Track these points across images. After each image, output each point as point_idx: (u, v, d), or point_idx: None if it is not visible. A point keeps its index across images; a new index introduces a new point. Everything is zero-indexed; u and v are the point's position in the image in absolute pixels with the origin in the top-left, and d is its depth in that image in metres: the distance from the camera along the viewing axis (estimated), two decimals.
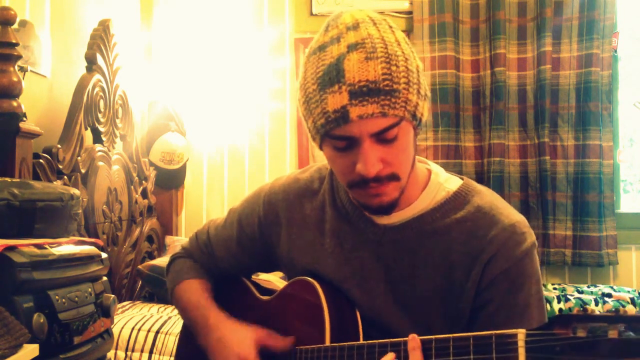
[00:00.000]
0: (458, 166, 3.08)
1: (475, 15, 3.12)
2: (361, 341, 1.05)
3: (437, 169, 1.14)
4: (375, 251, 1.11)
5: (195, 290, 1.32)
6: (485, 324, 1.00)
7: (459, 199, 1.08)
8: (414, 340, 0.92)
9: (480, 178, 3.05)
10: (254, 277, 1.46)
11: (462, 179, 1.13)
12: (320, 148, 1.07)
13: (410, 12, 3.16)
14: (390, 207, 1.04)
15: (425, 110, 1.04)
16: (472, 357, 0.87)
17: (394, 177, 1.00)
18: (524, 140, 3.07)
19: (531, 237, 1.06)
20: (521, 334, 0.82)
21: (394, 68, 0.96)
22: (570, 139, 3.02)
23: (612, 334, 0.74)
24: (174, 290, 1.37)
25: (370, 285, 1.11)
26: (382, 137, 0.97)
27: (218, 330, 1.21)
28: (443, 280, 1.06)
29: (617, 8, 3.04)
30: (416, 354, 0.91)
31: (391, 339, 0.98)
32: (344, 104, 0.94)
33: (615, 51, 3.02)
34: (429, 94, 1.06)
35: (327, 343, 1.06)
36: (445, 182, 1.11)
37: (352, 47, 0.95)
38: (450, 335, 0.90)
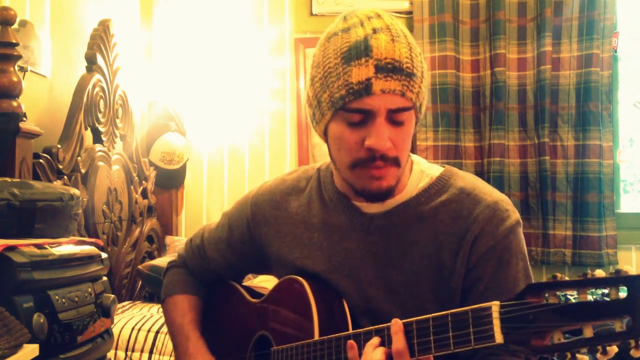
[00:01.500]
0: (458, 166, 3.06)
1: (475, 15, 3.12)
2: (348, 331, 1.06)
3: (418, 159, 1.17)
4: (364, 240, 1.13)
5: (180, 309, 1.36)
6: (477, 303, 1.02)
7: (442, 183, 1.12)
8: (396, 324, 0.94)
9: (480, 178, 3.04)
10: (249, 282, 1.47)
11: (444, 166, 1.16)
12: (324, 131, 1.09)
13: (410, 12, 3.16)
14: (387, 194, 1.07)
15: (423, 112, 1.08)
16: (450, 333, 0.89)
17: (396, 162, 1.03)
18: (524, 140, 3.07)
19: (515, 214, 1.09)
20: (495, 305, 0.84)
21: (414, 55, 1.02)
22: (570, 139, 3.01)
23: (582, 298, 0.77)
24: (163, 302, 1.41)
25: (360, 274, 1.13)
26: (394, 118, 1.01)
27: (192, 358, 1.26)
28: (432, 263, 1.08)
29: (617, 8, 3.04)
30: (399, 337, 0.93)
31: (375, 326, 0.99)
32: (369, 76, 0.98)
33: (615, 51, 3.02)
34: (428, 97, 1.09)
35: (316, 338, 1.08)
36: (427, 170, 1.14)
37: (378, 30, 1.01)
38: (430, 316, 0.92)
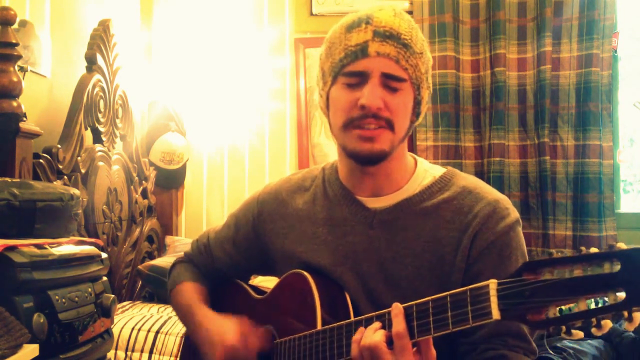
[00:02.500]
0: (458, 166, 3.07)
1: (475, 15, 3.12)
2: (350, 319, 1.07)
3: (421, 159, 1.21)
4: (367, 234, 1.15)
5: (188, 292, 1.38)
6: None
7: (444, 181, 1.15)
8: (396, 308, 0.95)
9: (480, 178, 3.02)
10: (250, 281, 1.49)
11: (446, 167, 1.20)
12: (327, 102, 1.13)
13: (410, 12, 3.15)
14: (378, 157, 1.09)
15: (424, 100, 1.13)
16: (449, 313, 0.90)
17: (389, 125, 1.07)
18: (524, 140, 3.07)
19: (514, 213, 1.11)
20: (492, 283, 0.86)
21: (414, 33, 1.09)
22: (570, 139, 3.01)
23: (577, 272, 0.78)
24: (171, 293, 1.43)
25: (363, 267, 1.15)
26: (389, 84, 1.06)
27: (204, 325, 1.27)
28: (433, 257, 1.10)
29: (617, 8, 3.04)
30: (399, 320, 0.94)
31: (376, 312, 1.00)
32: (367, 39, 1.06)
33: (615, 51, 3.02)
34: (431, 90, 1.16)
35: (319, 328, 1.09)
36: (430, 169, 1.18)
37: (383, 8, 1.09)
38: (430, 298, 0.93)
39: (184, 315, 1.36)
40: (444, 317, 0.90)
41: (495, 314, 0.84)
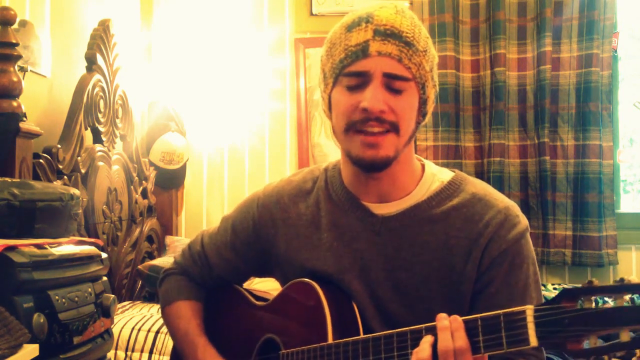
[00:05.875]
0: (458, 166, 3.08)
1: (475, 15, 3.12)
2: (361, 335, 1.06)
3: (429, 163, 1.18)
4: (374, 241, 1.12)
5: (184, 315, 1.33)
6: (488, 305, 1.02)
7: (453, 187, 1.12)
8: (455, 321, 0.91)
9: (480, 178, 3.01)
10: (249, 286, 1.46)
11: (454, 171, 1.17)
12: (329, 101, 1.10)
13: None
14: (382, 164, 1.06)
15: (430, 99, 1.10)
16: (480, 337, 0.88)
17: (395, 128, 1.04)
18: (524, 140, 3.07)
19: (524, 220, 1.11)
20: (529, 309, 0.84)
21: (416, 30, 1.05)
22: (570, 139, 3.02)
23: (619, 302, 0.77)
24: (164, 310, 1.38)
25: (371, 275, 1.12)
26: (392, 85, 1.03)
27: None
28: (442, 265, 1.08)
29: (617, 8, 3.04)
30: (460, 334, 0.90)
31: (393, 330, 0.98)
32: (367, 38, 1.03)
33: (615, 51, 3.02)
34: (437, 89, 1.12)
35: (330, 341, 1.07)
36: (438, 173, 1.15)
37: (384, 6, 1.05)
38: (462, 318, 0.91)
39: (181, 342, 1.31)
40: (475, 340, 0.88)
41: (533, 341, 0.83)
